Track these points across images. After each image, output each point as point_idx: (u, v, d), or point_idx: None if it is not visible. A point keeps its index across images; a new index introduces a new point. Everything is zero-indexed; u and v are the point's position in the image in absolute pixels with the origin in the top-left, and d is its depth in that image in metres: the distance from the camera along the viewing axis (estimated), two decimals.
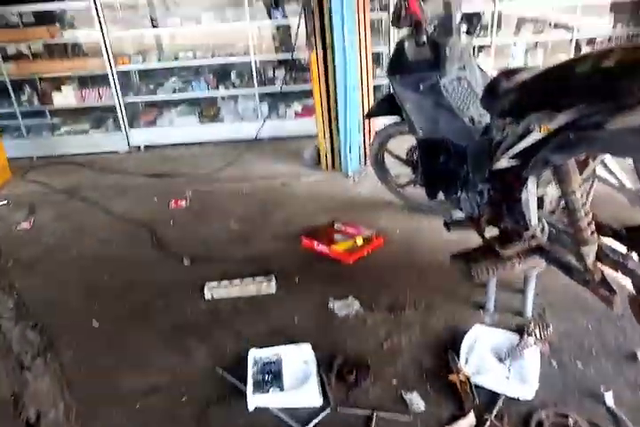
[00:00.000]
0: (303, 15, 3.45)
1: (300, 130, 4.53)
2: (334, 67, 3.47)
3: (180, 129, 4.76)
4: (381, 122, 3.17)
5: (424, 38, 2.13)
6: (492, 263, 1.98)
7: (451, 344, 2.00)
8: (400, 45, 2.32)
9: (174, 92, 4.73)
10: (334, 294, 2.39)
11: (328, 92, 3.62)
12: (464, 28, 2.19)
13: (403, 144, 2.95)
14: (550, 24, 4.45)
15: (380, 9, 4.15)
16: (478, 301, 2.26)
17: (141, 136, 4.76)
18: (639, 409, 1.68)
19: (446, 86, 2.22)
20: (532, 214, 1.77)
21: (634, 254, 1.65)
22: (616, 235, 1.73)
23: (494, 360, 1.85)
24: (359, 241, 2.80)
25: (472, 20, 2.17)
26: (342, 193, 3.56)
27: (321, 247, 2.78)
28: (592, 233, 1.61)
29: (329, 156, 3.88)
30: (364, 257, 2.72)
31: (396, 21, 2.18)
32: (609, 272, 1.69)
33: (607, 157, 1.74)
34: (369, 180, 3.60)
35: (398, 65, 2.38)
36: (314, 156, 4.02)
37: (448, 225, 2.31)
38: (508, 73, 1.73)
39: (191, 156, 4.54)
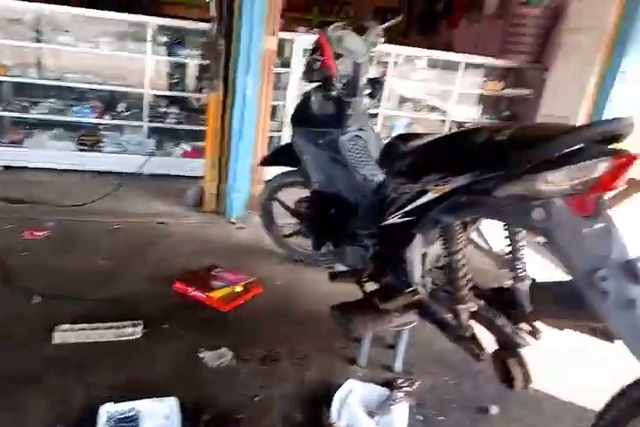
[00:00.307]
0: (208, 57, 3.46)
1: (186, 170, 4.38)
2: (232, 112, 3.48)
3: (52, 153, 4.31)
4: (272, 171, 3.20)
5: (334, 93, 2.22)
6: (370, 318, 2.02)
7: (324, 398, 1.94)
8: (306, 98, 2.39)
9: (51, 113, 4.34)
10: (206, 343, 2.23)
11: (222, 135, 3.59)
12: (367, 91, 2.35)
13: (292, 195, 2.99)
14: (427, 105, 5.04)
15: (282, 65, 4.32)
16: (352, 355, 2.26)
17: (2, 155, 4.24)
18: None
19: (345, 143, 2.31)
20: (416, 271, 1.86)
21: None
22: (483, 295, 1.88)
23: (364, 415, 1.84)
24: (238, 289, 2.69)
25: (375, 85, 2.34)
26: (224, 238, 3.45)
27: (195, 293, 2.62)
28: (468, 292, 1.73)
29: (213, 199, 3.79)
30: (242, 306, 2.60)
31: (309, 74, 2.25)
32: (478, 329, 1.80)
33: (481, 222, 1.91)
34: (252, 227, 3.55)
35: (302, 116, 2.45)
36: (197, 197, 3.88)
37: (332, 276, 2.33)
38: (404, 137, 1.87)
39: (62, 183, 4.10)
